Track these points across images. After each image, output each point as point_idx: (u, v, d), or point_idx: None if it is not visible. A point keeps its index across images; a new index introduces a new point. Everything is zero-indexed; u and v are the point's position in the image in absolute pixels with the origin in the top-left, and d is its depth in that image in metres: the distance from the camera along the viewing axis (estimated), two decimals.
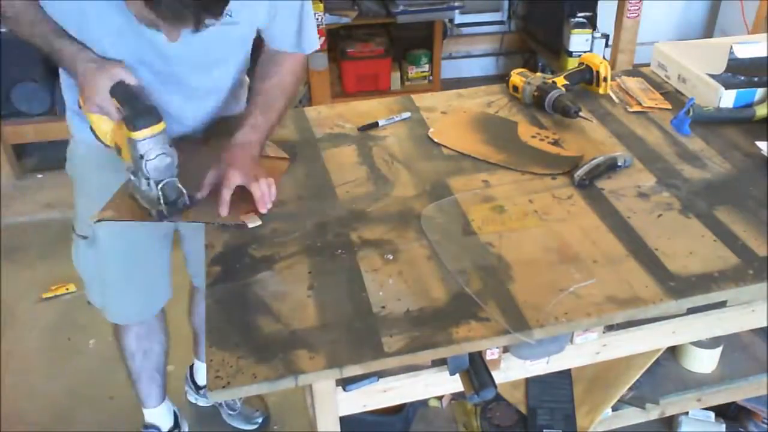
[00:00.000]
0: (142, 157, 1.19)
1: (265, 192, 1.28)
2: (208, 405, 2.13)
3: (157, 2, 1.05)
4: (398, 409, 1.67)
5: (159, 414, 1.92)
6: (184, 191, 1.25)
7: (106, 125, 1.29)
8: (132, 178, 1.26)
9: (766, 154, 1.44)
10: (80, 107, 1.32)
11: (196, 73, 1.39)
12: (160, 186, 1.21)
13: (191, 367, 2.15)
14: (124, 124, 1.19)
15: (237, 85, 1.52)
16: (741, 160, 1.44)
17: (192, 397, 2.15)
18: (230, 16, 1.28)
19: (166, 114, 1.27)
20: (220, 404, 2.09)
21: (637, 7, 3.08)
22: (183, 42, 1.20)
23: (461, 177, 1.41)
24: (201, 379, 2.12)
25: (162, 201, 1.23)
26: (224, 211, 1.27)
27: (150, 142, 1.18)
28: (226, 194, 1.26)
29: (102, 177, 1.43)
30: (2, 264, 2.67)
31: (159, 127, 1.18)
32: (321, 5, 2.94)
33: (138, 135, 1.17)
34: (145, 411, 1.92)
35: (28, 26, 1.29)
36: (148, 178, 1.21)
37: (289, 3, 1.40)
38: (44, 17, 1.28)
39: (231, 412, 2.07)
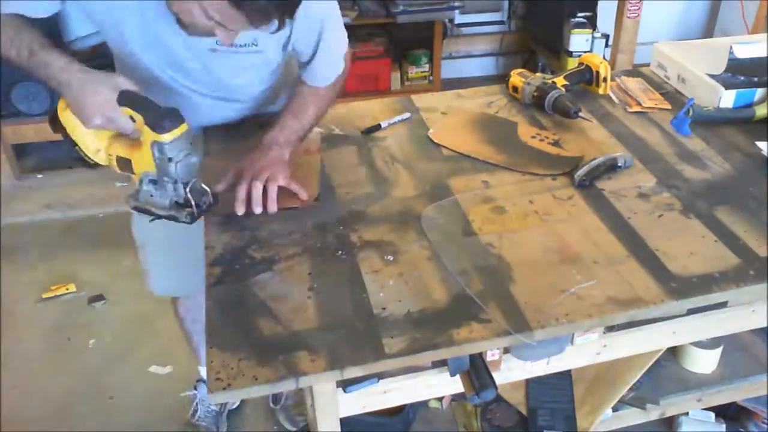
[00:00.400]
0: (170, 159, 1.15)
1: (242, 196, 1.27)
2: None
3: (249, 2, 1.06)
4: (398, 410, 1.67)
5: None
6: (208, 190, 1.24)
7: (95, 143, 1.26)
8: (146, 188, 1.23)
9: (766, 154, 1.44)
10: (53, 128, 1.29)
11: (220, 90, 1.45)
12: (188, 187, 1.19)
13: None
14: (150, 129, 1.14)
15: (269, 92, 1.54)
16: (741, 160, 1.44)
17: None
18: (255, 45, 1.32)
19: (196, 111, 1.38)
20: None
21: (637, 7, 3.08)
22: (205, 67, 1.26)
23: (461, 177, 1.41)
24: None
25: (192, 202, 1.20)
26: (240, 209, 1.27)
27: (178, 143, 1.15)
28: (239, 191, 1.28)
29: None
30: (2, 264, 2.66)
31: (184, 127, 1.15)
32: None
33: (167, 137, 1.13)
34: (200, 368, 2.04)
35: (4, 34, 1.22)
36: (176, 181, 1.18)
37: (309, 41, 1.39)
38: (29, 27, 1.23)
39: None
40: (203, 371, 2.03)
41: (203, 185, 1.23)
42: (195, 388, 2.07)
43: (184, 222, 1.22)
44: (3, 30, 1.22)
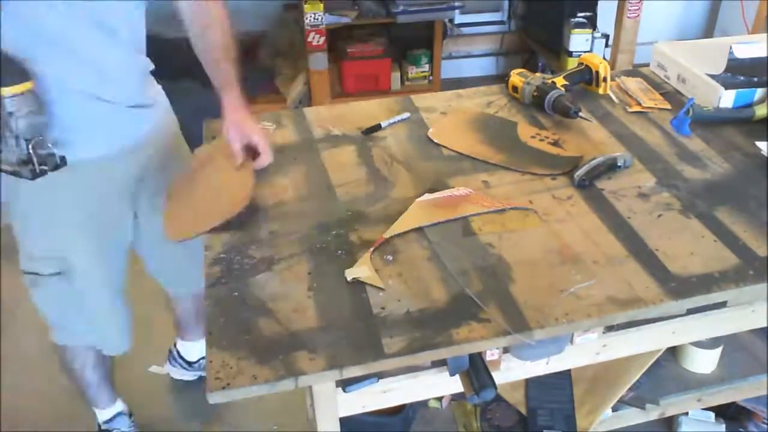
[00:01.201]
0: (11, 114, 1.17)
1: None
2: (194, 378, 2.18)
3: None
4: (398, 410, 1.67)
5: (116, 409, 1.97)
6: (55, 151, 1.26)
7: None
8: None
9: (766, 154, 1.44)
10: None
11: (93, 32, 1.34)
12: (30, 144, 1.21)
13: (175, 346, 2.17)
14: None
15: (141, 71, 1.49)
16: (741, 160, 1.44)
17: (178, 374, 2.18)
18: None
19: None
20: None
21: (637, 7, 3.08)
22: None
23: (461, 177, 1.41)
24: (191, 355, 2.15)
25: (34, 159, 1.22)
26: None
27: (18, 99, 1.17)
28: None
29: (48, 203, 1.42)
30: (2, 264, 2.66)
31: (28, 86, 1.18)
32: (321, 5, 2.94)
33: (5, 92, 1.16)
34: (100, 411, 1.97)
35: None
36: (17, 137, 1.20)
37: None
38: None
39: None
40: (105, 413, 1.97)
41: (50, 145, 1.25)
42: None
43: (26, 178, 1.24)
44: None
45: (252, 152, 1.40)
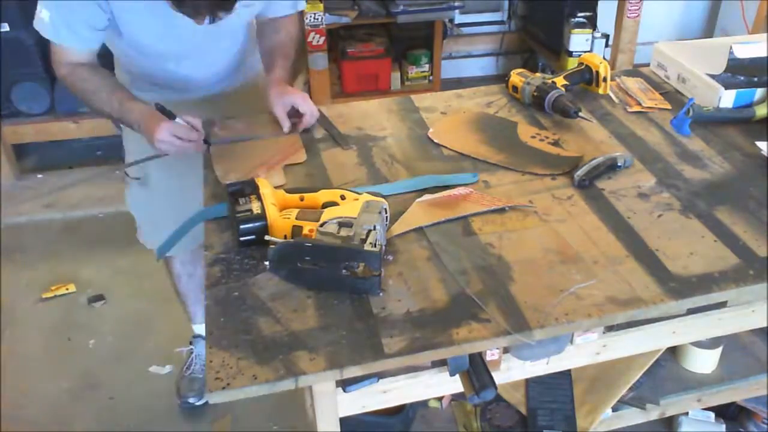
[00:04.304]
0: None
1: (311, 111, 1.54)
2: None
3: (179, 4, 1.29)
4: (398, 410, 1.67)
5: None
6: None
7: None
8: None
9: (766, 154, 1.44)
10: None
11: (208, 42, 1.58)
12: None
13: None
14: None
15: (243, 54, 1.71)
16: (741, 160, 1.44)
17: None
18: None
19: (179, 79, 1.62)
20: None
21: (637, 7, 3.08)
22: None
23: None
24: None
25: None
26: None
27: None
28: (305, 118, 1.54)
29: None
30: (2, 264, 2.66)
31: None
32: (321, 5, 2.94)
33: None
34: (194, 326, 2.16)
35: (93, 96, 1.50)
36: None
37: None
38: (113, 85, 1.52)
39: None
40: (198, 328, 2.13)
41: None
42: (191, 344, 2.18)
43: None
44: (98, 93, 1.49)
45: (297, 117, 1.55)
